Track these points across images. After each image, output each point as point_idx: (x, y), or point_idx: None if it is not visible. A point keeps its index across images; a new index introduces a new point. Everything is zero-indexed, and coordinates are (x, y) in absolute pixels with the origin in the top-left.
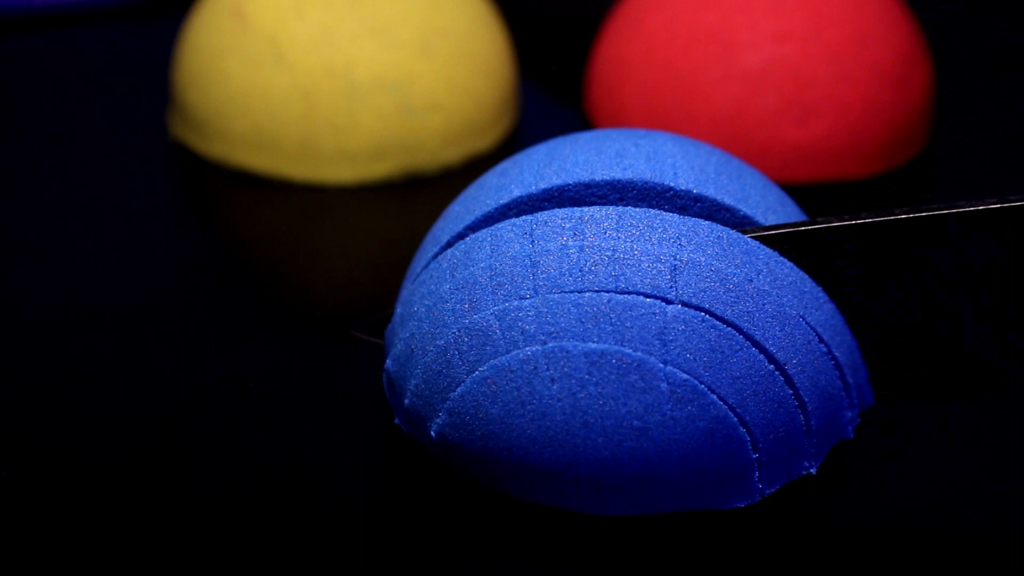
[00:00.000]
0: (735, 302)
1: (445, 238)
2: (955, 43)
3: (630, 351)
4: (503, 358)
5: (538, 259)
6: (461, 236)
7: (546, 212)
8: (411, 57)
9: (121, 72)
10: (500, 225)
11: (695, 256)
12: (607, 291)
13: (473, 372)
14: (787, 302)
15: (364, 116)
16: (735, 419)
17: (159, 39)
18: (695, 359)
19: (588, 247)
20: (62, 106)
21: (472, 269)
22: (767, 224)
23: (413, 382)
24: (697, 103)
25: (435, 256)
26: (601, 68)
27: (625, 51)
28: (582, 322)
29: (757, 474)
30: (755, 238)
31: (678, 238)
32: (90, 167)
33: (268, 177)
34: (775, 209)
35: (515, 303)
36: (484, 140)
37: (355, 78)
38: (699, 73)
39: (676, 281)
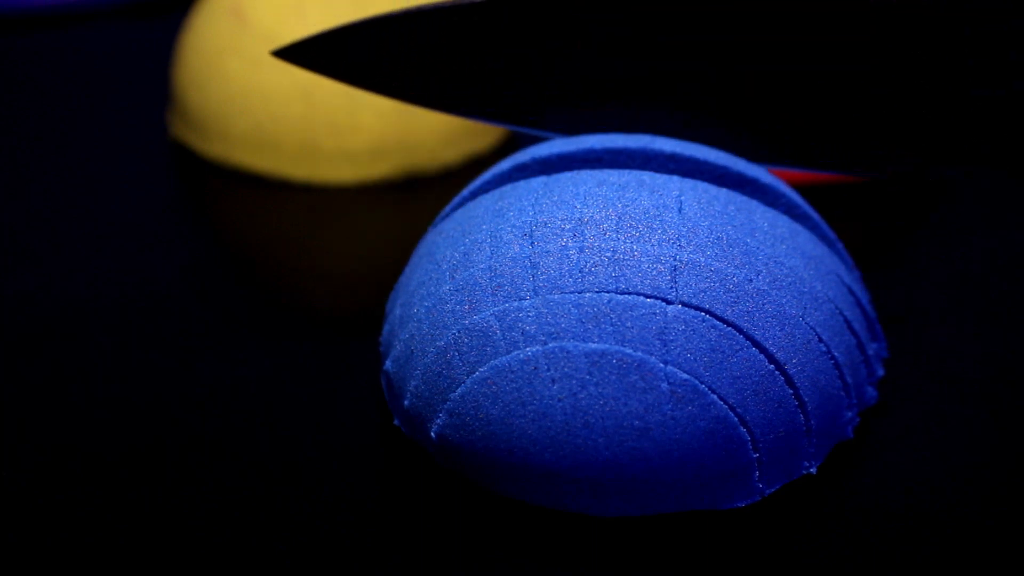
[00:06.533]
0: (735, 302)
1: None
2: None
3: (631, 351)
4: (503, 359)
5: (538, 260)
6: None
7: (546, 213)
8: None
9: (121, 72)
10: (500, 227)
11: (695, 257)
12: (607, 292)
13: (473, 373)
14: (787, 302)
15: (364, 116)
16: (735, 419)
17: (159, 39)
18: (695, 359)
19: (588, 248)
20: (62, 106)
21: (472, 271)
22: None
23: (413, 383)
24: None
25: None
26: None
27: None
28: (582, 322)
29: (757, 474)
30: None
31: (678, 239)
32: (90, 167)
33: (268, 177)
34: (784, 239)
35: (515, 304)
36: (484, 140)
37: None
38: None
39: (676, 282)
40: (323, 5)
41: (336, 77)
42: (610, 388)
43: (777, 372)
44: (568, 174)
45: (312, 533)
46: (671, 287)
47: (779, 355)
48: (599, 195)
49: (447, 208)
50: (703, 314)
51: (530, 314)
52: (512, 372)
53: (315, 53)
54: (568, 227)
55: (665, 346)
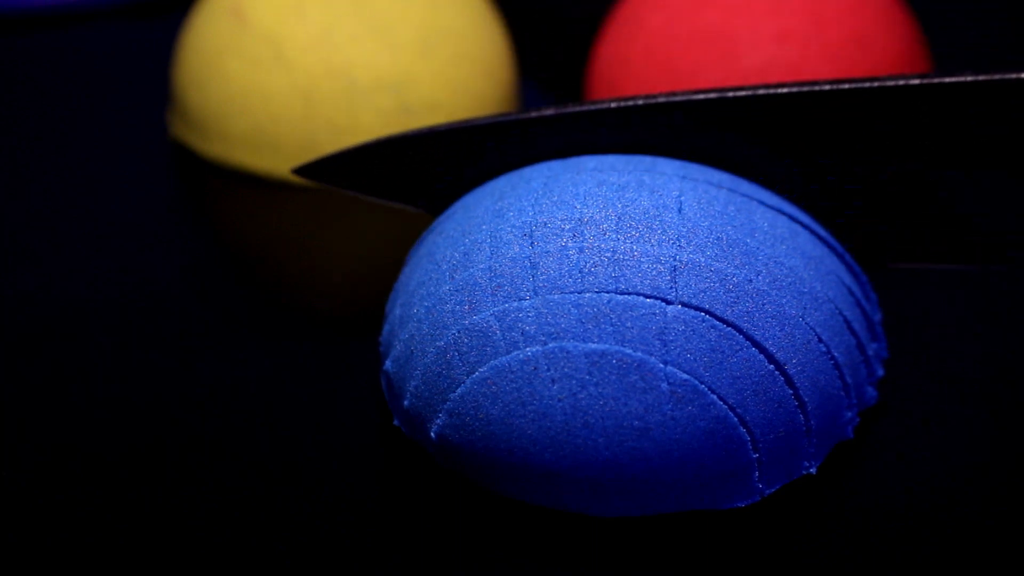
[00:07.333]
0: (735, 302)
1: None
2: (955, 43)
3: (630, 351)
4: (503, 359)
5: (538, 260)
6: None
7: (545, 214)
8: (411, 57)
9: (121, 72)
10: (499, 227)
11: (695, 257)
12: (607, 292)
13: (473, 373)
14: (787, 302)
15: (364, 116)
16: (735, 419)
17: (159, 39)
18: (695, 359)
19: (588, 248)
20: (62, 106)
21: (471, 271)
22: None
23: (412, 383)
24: None
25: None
26: (601, 68)
27: (625, 51)
28: (582, 322)
29: (757, 474)
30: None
31: (678, 239)
32: (90, 167)
33: (268, 177)
34: (784, 239)
35: (515, 304)
36: None
37: (355, 78)
38: (699, 73)
39: (676, 282)
40: (323, 5)
41: (356, 190)
42: (610, 388)
43: (777, 372)
44: (568, 175)
45: (312, 533)
46: (671, 287)
47: (779, 355)
48: (599, 195)
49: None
50: (703, 314)
51: (530, 314)
52: (512, 372)
53: (333, 170)
54: (568, 227)
55: (665, 346)
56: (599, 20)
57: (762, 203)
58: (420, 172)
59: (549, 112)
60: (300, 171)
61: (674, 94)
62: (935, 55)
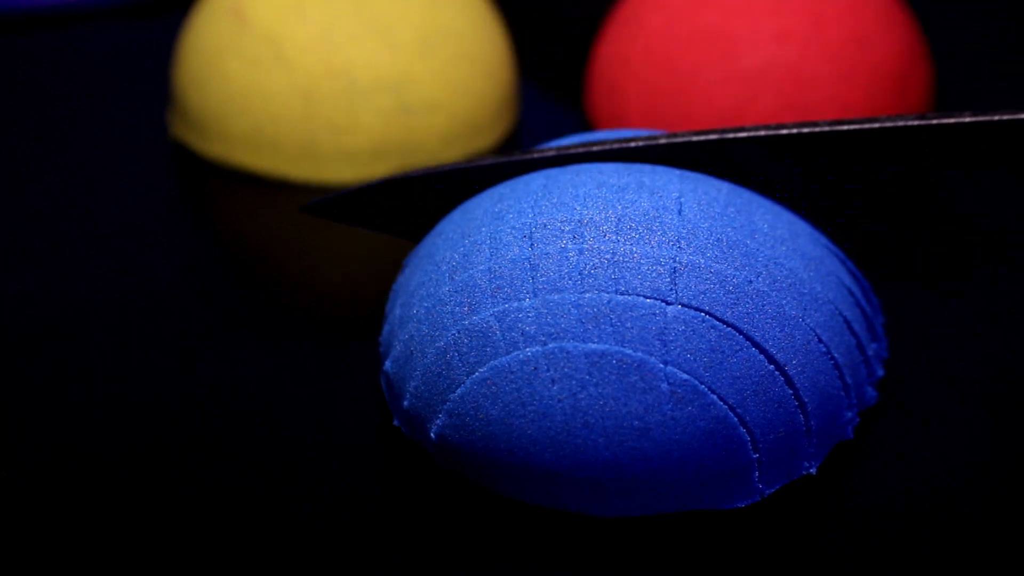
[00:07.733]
0: (735, 303)
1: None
2: (955, 43)
3: (630, 351)
4: (503, 359)
5: (537, 262)
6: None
7: (545, 215)
8: (411, 57)
9: (121, 72)
10: (499, 228)
11: (694, 258)
12: (607, 293)
13: (473, 373)
14: (787, 303)
15: (364, 116)
16: (735, 419)
17: (159, 39)
18: (695, 359)
19: (588, 250)
20: (62, 106)
21: (471, 272)
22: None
23: (412, 384)
24: (697, 103)
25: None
26: (601, 68)
27: (625, 51)
28: (582, 323)
29: (757, 474)
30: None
31: (677, 240)
32: (90, 167)
33: (268, 177)
34: (784, 240)
35: (515, 304)
36: (484, 140)
37: (355, 78)
38: (699, 73)
39: (676, 283)
40: (323, 5)
41: (360, 226)
42: (610, 388)
43: (777, 373)
44: (568, 176)
45: (312, 533)
46: (671, 288)
47: (779, 356)
48: (598, 197)
49: None
50: (703, 315)
51: (530, 315)
52: (512, 372)
53: (338, 208)
54: (568, 229)
55: (665, 346)
56: (599, 20)
57: (762, 204)
58: (422, 209)
59: (551, 152)
60: (306, 209)
61: (675, 135)
62: (935, 55)
